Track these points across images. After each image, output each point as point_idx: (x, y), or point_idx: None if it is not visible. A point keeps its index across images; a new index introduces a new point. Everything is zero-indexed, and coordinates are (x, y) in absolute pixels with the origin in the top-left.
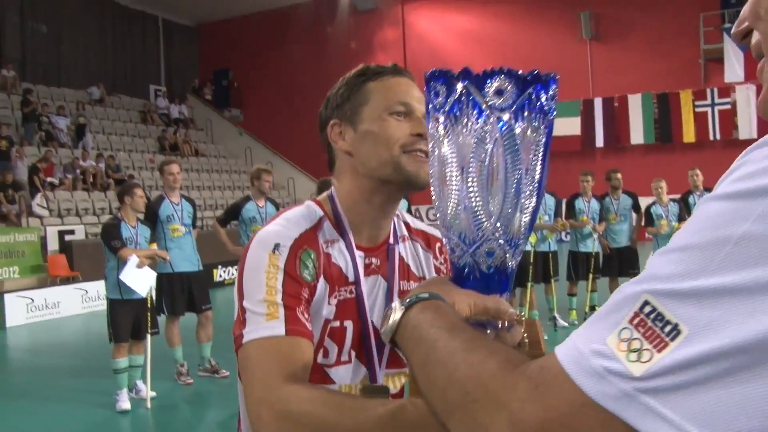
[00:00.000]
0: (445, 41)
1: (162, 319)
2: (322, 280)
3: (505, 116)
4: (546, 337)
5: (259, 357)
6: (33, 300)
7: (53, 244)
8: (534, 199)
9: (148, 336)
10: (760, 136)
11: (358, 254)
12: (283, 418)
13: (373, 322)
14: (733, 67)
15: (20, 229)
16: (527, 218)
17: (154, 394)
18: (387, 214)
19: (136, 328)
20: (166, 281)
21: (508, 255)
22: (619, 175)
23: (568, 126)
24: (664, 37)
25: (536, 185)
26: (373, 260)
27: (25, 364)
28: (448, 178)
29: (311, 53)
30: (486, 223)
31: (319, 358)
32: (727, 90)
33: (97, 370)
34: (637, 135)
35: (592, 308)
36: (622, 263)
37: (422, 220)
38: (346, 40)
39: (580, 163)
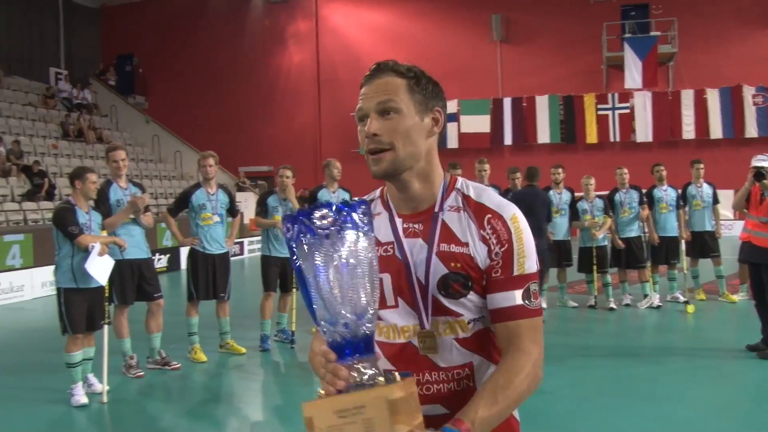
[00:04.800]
0: (357, 36)
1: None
2: None
3: (328, 232)
4: None
5: None
6: None
7: None
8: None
9: (105, 327)
10: (655, 140)
11: (399, 221)
12: None
13: (417, 276)
14: (633, 74)
15: None
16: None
17: (108, 387)
18: (400, 190)
19: (90, 319)
20: (116, 269)
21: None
22: (561, 170)
23: (478, 124)
24: (570, 43)
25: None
26: (415, 226)
27: None
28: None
29: (221, 42)
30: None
31: None
32: (626, 96)
33: (36, 366)
34: (543, 135)
35: None
36: (561, 255)
37: None
38: (258, 30)
39: (489, 160)
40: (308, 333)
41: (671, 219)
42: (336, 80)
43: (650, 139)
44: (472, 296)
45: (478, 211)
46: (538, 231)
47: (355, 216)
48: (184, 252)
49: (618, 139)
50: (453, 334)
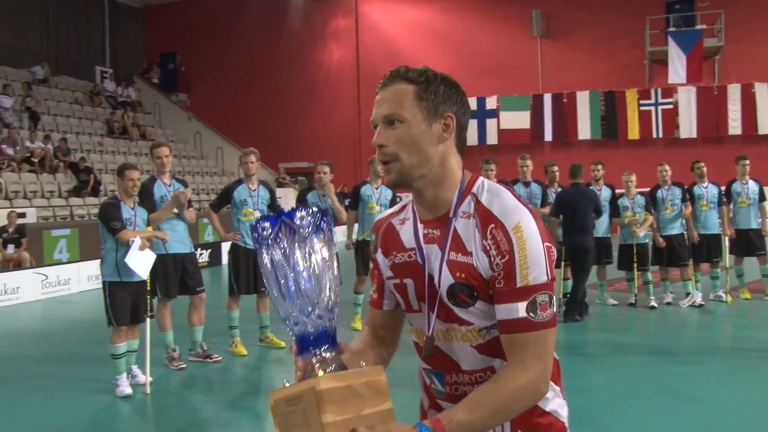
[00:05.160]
0: (397, 33)
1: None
2: (379, 251)
3: (308, 233)
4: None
5: None
6: None
7: None
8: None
9: (148, 319)
10: (699, 136)
11: (420, 227)
12: None
13: (433, 281)
14: (676, 69)
15: None
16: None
17: (151, 379)
18: (417, 197)
19: (134, 312)
20: (159, 262)
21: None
22: (600, 167)
23: (518, 120)
24: (612, 37)
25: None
26: (433, 231)
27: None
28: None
29: (262, 39)
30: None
31: (404, 306)
32: (669, 91)
33: (82, 357)
34: (584, 131)
35: (565, 296)
36: (600, 253)
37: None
38: (298, 27)
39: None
40: (347, 328)
41: (712, 216)
42: (376, 77)
43: (694, 135)
44: (480, 305)
45: (484, 219)
46: (585, 228)
47: (296, 220)
48: (225, 247)
49: (661, 135)
50: (468, 342)
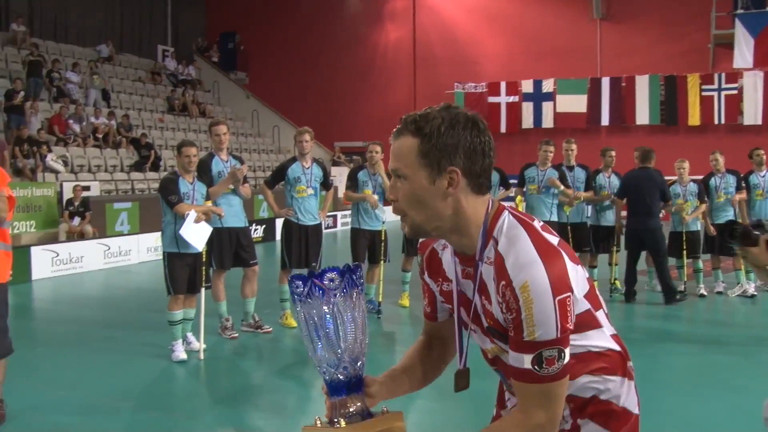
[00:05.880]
0: (454, 14)
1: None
2: (426, 274)
3: (336, 293)
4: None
5: None
6: (58, 254)
7: None
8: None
9: (203, 290)
10: (765, 123)
11: (456, 260)
12: None
13: (477, 315)
14: (743, 53)
15: (37, 184)
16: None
17: (205, 346)
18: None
19: (191, 282)
20: (215, 235)
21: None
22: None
23: (574, 103)
24: (675, 20)
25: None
26: (468, 269)
27: (65, 316)
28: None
29: (320, 19)
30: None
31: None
32: (734, 76)
33: (141, 323)
34: (642, 116)
35: (614, 281)
36: None
37: None
38: (356, 7)
39: (585, 141)
40: (394, 304)
41: (766, 206)
42: (432, 58)
43: (760, 121)
44: None
45: (498, 272)
46: (651, 211)
47: (354, 278)
48: (279, 223)
49: (723, 122)
50: None
